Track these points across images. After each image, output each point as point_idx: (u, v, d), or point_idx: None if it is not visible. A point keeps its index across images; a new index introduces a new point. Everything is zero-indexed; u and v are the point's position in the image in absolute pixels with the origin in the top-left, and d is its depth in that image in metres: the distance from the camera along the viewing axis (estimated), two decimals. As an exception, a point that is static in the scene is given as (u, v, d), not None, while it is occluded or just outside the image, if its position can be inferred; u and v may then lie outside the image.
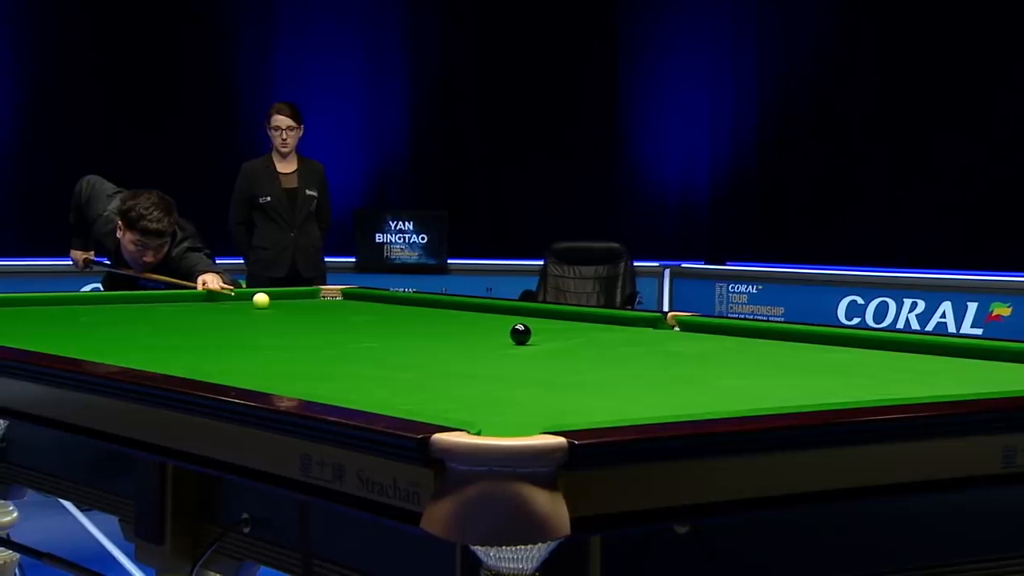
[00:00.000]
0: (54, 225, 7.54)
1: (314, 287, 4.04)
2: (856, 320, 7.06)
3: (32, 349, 2.35)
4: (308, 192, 5.58)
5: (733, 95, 8.40)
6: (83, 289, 6.60)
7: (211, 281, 3.85)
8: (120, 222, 4.13)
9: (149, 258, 4.12)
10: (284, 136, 5.52)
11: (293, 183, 5.59)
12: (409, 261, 7.96)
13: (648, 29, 8.61)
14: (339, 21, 8.43)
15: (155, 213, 4.03)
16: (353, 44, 8.47)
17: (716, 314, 7.44)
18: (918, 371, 2.33)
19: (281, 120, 5.54)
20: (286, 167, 5.62)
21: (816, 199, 8.03)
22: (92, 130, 7.73)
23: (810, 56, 8.12)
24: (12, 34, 7.69)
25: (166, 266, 4.16)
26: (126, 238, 4.12)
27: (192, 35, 8.02)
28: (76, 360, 2.21)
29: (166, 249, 4.15)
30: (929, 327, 6.79)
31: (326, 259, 8.23)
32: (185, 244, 4.16)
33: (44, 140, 7.68)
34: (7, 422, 2.42)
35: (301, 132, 5.62)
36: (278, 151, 5.59)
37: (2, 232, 7.63)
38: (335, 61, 8.39)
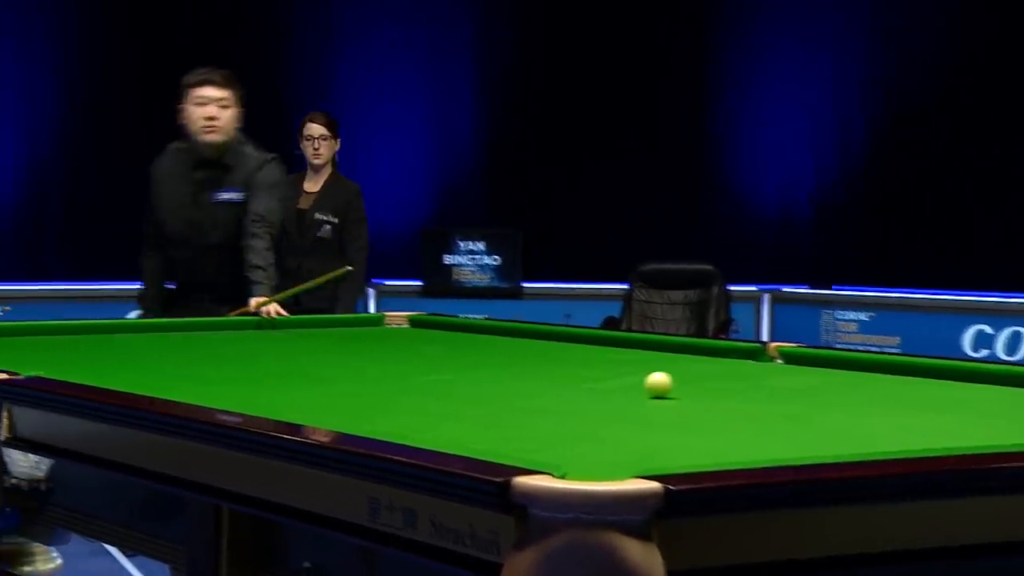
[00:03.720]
0: (98, 247, 7.75)
1: (379, 313, 4.07)
2: (984, 352, 6.93)
3: (77, 381, 2.41)
4: (318, 216, 5.29)
5: (840, 97, 8.30)
6: (128, 315, 6.75)
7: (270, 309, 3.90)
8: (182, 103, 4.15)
9: (213, 112, 4.09)
10: (316, 145, 5.34)
11: (307, 203, 5.34)
12: (480, 285, 7.99)
13: (739, 27, 8.57)
14: (404, 27, 8.51)
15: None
16: (418, 51, 8.55)
17: (822, 345, 7.35)
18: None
19: (314, 128, 5.39)
20: (312, 184, 5.41)
21: (936, 215, 7.88)
22: (138, 144, 7.87)
23: (927, 54, 8.01)
24: (55, 46, 7.88)
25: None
26: (188, 110, 4.15)
27: (244, 46, 8.15)
28: (125, 394, 2.25)
29: (232, 112, 4.15)
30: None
31: (387, 282, 8.24)
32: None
33: (88, 153, 7.86)
34: (52, 461, 2.48)
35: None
36: (311, 164, 5.42)
37: (45, 255, 7.82)
38: (399, 70, 8.47)
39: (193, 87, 4.20)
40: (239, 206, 4.15)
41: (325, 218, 5.27)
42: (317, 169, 5.41)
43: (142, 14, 7.95)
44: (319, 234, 5.27)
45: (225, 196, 4.19)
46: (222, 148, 4.20)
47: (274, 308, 3.91)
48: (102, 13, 7.92)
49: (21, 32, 7.75)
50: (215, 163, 4.22)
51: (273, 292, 4.04)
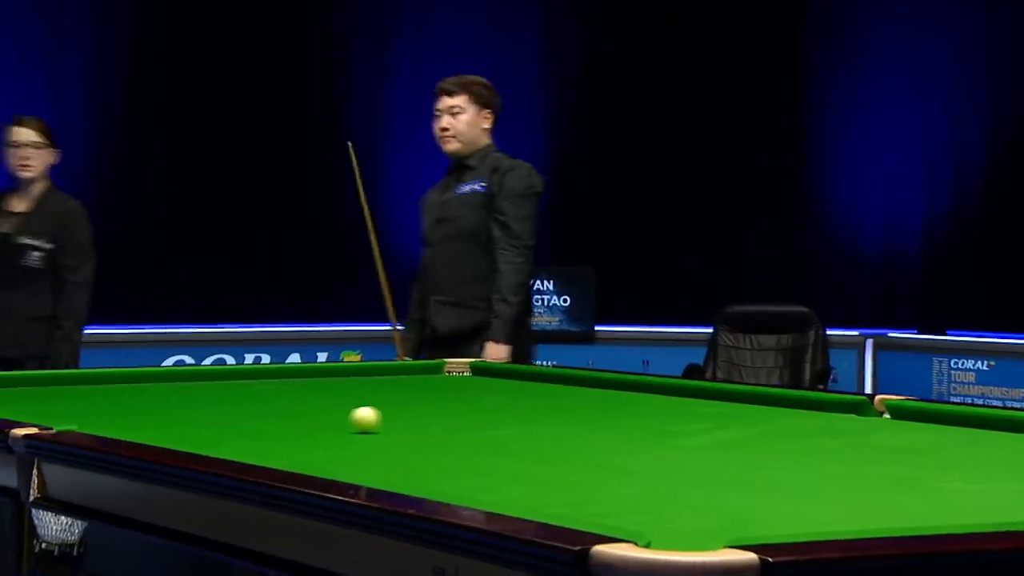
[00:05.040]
0: (136, 288, 7.88)
1: (438, 360, 4.09)
2: None
3: (113, 436, 2.45)
4: (22, 240, 4.91)
5: (954, 121, 8.22)
6: (166, 362, 6.86)
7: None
8: None
9: (444, 123, 4.76)
10: (26, 155, 4.88)
11: (11, 226, 4.94)
12: (549, 328, 8.00)
13: (842, 43, 8.54)
14: (468, 50, 8.59)
15: None
16: (482, 69, 8.63)
17: (935, 397, 7.27)
18: None
19: (22, 134, 4.92)
20: (19, 202, 5.00)
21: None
22: (175, 177, 8.02)
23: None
24: (88, 76, 8.03)
25: None
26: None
27: (297, 73, 8.28)
28: (166, 450, 2.29)
29: (465, 117, 4.71)
30: None
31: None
32: None
33: (123, 188, 7.97)
34: (85, 524, 2.53)
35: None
36: (19, 178, 4.94)
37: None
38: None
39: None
40: (479, 196, 4.61)
41: (32, 243, 4.94)
42: (26, 184, 5.00)
43: (183, 46, 8.08)
44: (25, 263, 4.93)
45: (467, 188, 4.65)
46: (465, 155, 4.67)
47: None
48: (140, 39, 8.06)
49: (54, 61, 7.90)
50: (461, 165, 4.73)
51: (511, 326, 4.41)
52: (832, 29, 8.60)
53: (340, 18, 8.41)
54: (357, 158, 4.94)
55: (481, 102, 4.72)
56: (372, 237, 4.97)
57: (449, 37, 8.54)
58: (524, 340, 4.61)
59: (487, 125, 4.74)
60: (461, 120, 4.69)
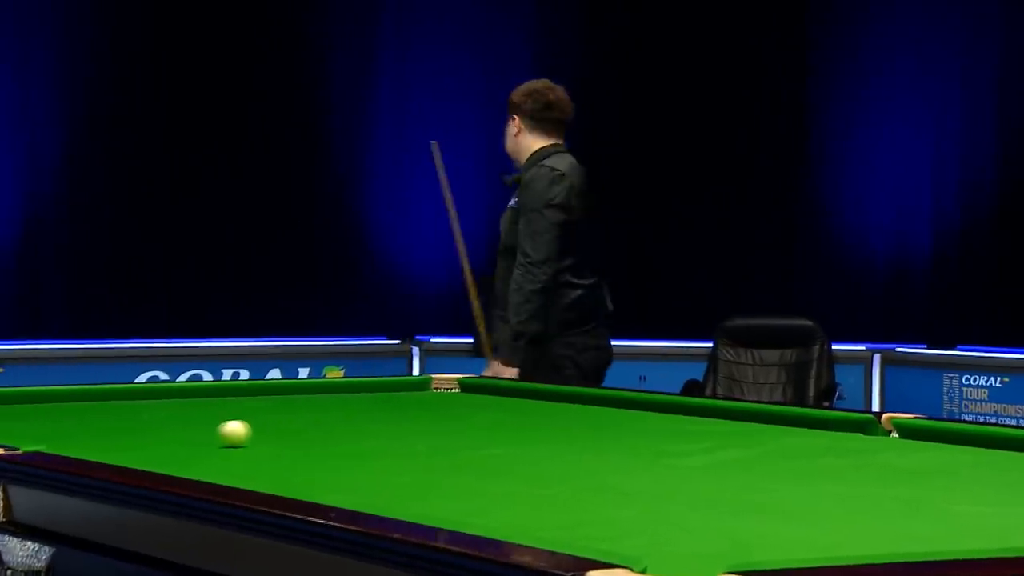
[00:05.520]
0: (105, 302, 7.86)
1: (424, 376, 4.10)
2: None
3: (82, 457, 2.45)
4: None
5: (966, 124, 8.23)
6: (138, 379, 6.85)
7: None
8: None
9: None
10: None
11: None
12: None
13: (846, 41, 8.55)
14: (457, 51, 8.59)
15: None
16: (472, 79, 8.63)
17: (946, 416, 7.25)
18: None
19: None
20: None
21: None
22: (148, 187, 7.99)
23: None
24: (58, 78, 8.01)
25: None
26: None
27: (273, 72, 8.28)
28: (137, 471, 2.29)
29: (509, 127, 4.82)
30: None
31: (434, 339, 8.26)
32: None
33: (94, 198, 7.94)
34: (53, 549, 2.52)
35: None
36: None
37: (45, 310, 7.90)
38: (451, 96, 8.56)
39: None
40: (512, 212, 4.72)
41: None
42: None
43: (157, 45, 8.05)
44: None
45: (511, 203, 4.78)
46: (518, 168, 4.77)
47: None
48: (111, 42, 8.03)
49: (20, 61, 7.89)
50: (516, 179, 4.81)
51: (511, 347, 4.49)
52: (835, 28, 8.60)
53: (321, 17, 8.41)
54: (437, 158, 5.10)
55: (511, 111, 4.79)
56: (458, 239, 5.12)
57: (433, 38, 8.54)
58: (543, 362, 4.54)
59: (516, 132, 4.76)
60: (506, 135, 4.82)
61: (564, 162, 4.67)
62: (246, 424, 2.72)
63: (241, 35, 8.19)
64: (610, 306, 4.74)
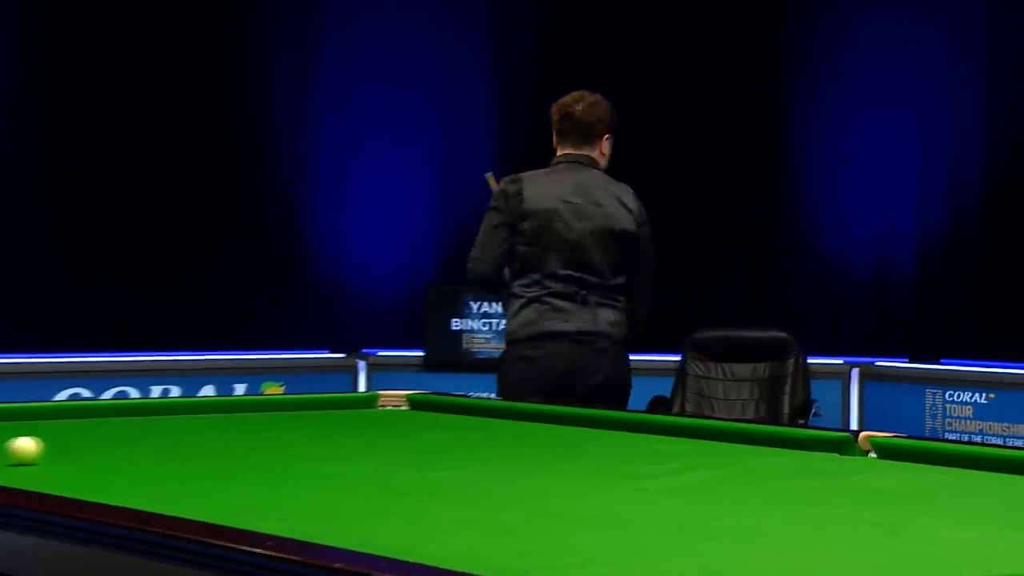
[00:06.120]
0: (23, 310, 7.79)
1: (371, 393, 4.09)
2: None
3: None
4: None
5: (951, 132, 8.28)
6: (58, 396, 6.79)
7: None
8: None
9: None
10: None
11: None
12: (496, 356, 7.99)
13: (824, 41, 8.59)
14: (409, 45, 8.56)
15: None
16: (424, 71, 8.61)
17: (928, 435, 7.29)
18: None
19: None
20: None
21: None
22: (77, 175, 7.92)
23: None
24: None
25: None
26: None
27: (215, 71, 8.24)
28: (56, 498, 2.28)
29: None
30: None
31: (381, 352, 8.24)
32: None
33: (11, 193, 7.88)
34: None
35: None
36: None
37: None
38: (399, 91, 8.54)
39: None
40: None
41: None
42: None
43: (83, 44, 7.98)
44: None
45: None
46: None
47: None
48: (39, 42, 7.95)
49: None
50: None
51: None
52: (815, 14, 8.62)
53: (260, 13, 8.37)
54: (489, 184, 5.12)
55: None
56: None
57: (380, 33, 8.52)
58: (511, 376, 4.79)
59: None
60: None
61: (546, 172, 4.90)
62: (38, 440, 2.76)
63: (178, 30, 8.13)
64: (569, 323, 4.75)
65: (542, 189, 4.80)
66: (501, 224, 4.79)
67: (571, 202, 4.77)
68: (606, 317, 4.76)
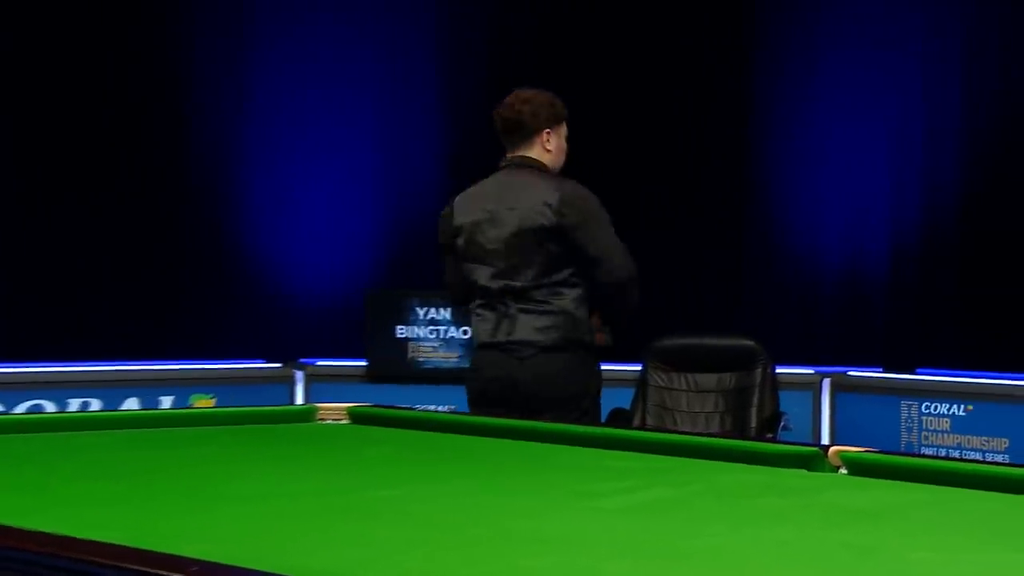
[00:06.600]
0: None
1: (308, 405, 4.08)
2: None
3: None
4: None
5: (927, 130, 8.34)
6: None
7: None
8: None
9: None
10: None
11: None
12: (444, 366, 8.00)
13: (794, 40, 8.62)
14: (350, 33, 8.54)
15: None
16: (366, 62, 8.59)
17: (903, 449, 7.33)
18: None
19: None
20: None
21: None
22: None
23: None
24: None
25: None
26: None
27: (143, 71, 8.20)
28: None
29: None
30: None
31: (320, 362, 8.23)
32: None
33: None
34: None
35: None
36: None
37: None
38: (340, 84, 8.51)
39: None
40: None
41: None
42: None
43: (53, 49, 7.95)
44: None
45: None
46: None
47: None
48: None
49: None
50: None
51: None
52: (786, 14, 8.66)
53: (185, 3, 8.34)
54: None
55: None
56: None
57: (314, 28, 8.50)
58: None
59: None
60: None
61: (481, 182, 4.99)
62: None
63: (95, 19, 8.08)
64: (506, 334, 4.83)
65: (468, 203, 4.92)
66: (447, 249, 4.96)
67: (489, 210, 4.85)
68: (530, 323, 4.80)
